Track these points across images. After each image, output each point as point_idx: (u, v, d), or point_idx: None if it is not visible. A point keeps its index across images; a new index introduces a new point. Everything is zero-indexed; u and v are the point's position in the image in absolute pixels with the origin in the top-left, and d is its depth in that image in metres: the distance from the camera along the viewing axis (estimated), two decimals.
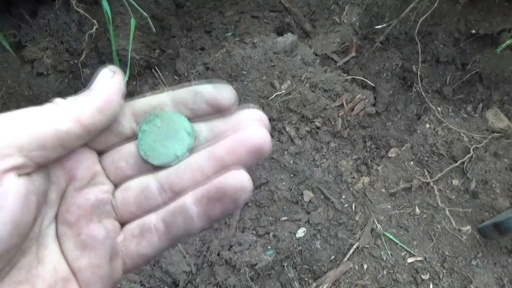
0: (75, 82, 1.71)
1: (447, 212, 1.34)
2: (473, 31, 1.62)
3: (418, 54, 1.55)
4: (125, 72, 1.67)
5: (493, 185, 1.40)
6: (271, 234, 1.38)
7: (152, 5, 1.91)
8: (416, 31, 1.51)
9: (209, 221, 0.35)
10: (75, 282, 0.34)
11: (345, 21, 1.81)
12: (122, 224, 0.36)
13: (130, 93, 1.72)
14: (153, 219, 0.35)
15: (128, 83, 1.71)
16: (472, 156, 1.45)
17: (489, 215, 1.36)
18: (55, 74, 1.71)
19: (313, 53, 1.74)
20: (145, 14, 1.26)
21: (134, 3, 1.25)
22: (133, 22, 1.26)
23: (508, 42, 1.51)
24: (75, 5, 1.41)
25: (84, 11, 1.54)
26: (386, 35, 1.69)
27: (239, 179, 0.34)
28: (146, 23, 1.84)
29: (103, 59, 1.69)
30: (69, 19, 1.68)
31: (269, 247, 1.35)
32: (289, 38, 1.69)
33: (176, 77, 1.76)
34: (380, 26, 1.61)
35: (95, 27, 1.51)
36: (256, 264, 1.25)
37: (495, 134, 1.53)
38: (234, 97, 0.38)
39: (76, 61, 1.67)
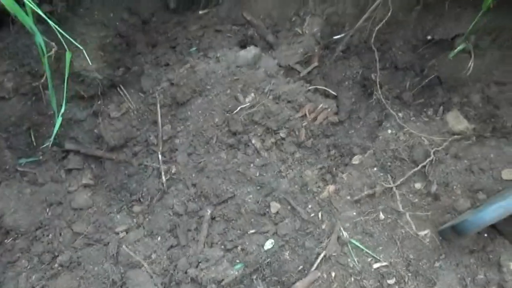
0: (38, 104, 1.69)
1: (408, 217, 1.37)
2: (429, 37, 1.66)
3: (376, 62, 1.58)
4: (88, 93, 1.67)
5: (454, 187, 1.44)
6: (239, 248, 1.38)
7: (117, 22, 1.91)
8: (372, 39, 1.55)
9: None
10: None
11: (307, 31, 1.84)
12: None
13: (95, 113, 1.72)
14: None
15: (92, 103, 1.70)
16: (433, 159, 1.48)
17: (451, 216, 1.39)
18: (17, 97, 1.69)
19: (277, 64, 1.76)
20: (80, 47, 1.24)
21: (67, 35, 1.23)
22: (68, 55, 1.25)
23: (460, 47, 1.55)
24: (30, 30, 1.39)
25: (44, 33, 1.53)
26: (347, 44, 1.72)
27: None
28: (111, 41, 1.84)
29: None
30: (29, 41, 1.67)
31: (237, 260, 1.36)
32: (251, 51, 1.71)
33: (141, 94, 1.76)
34: (339, 36, 1.64)
35: (54, 49, 1.50)
36: (222, 280, 1.25)
37: (455, 136, 1.56)
38: None
39: (38, 83, 1.65)
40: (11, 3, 1.13)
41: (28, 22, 1.20)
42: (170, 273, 1.31)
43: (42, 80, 1.63)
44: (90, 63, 1.46)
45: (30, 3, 1.11)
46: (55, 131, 1.36)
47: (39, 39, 1.21)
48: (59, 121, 1.35)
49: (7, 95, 1.65)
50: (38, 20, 1.59)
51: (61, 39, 1.23)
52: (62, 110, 1.35)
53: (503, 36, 1.64)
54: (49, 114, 1.67)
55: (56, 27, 1.14)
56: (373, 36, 1.55)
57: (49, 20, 1.13)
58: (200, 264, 1.30)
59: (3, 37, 1.66)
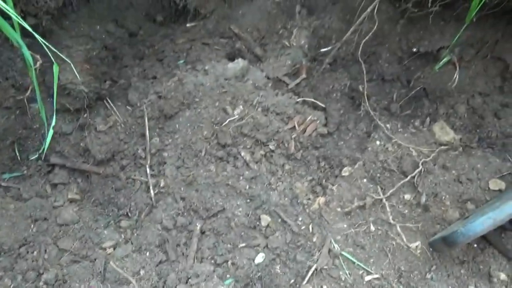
0: (22, 118, 1.65)
1: (399, 229, 1.37)
2: (414, 50, 1.69)
3: (363, 74, 1.60)
4: (74, 106, 1.64)
5: (443, 197, 1.45)
6: (229, 262, 1.36)
7: (104, 34, 1.90)
8: (359, 52, 1.56)
9: None
10: None
11: (294, 44, 1.85)
12: None
13: (81, 126, 1.69)
14: None
15: (78, 116, 1.68)
16: (421, 170, 1.49)
17: (441, 227, 1.39)
18: (1, 111, 1.65)
19: (265, 76, 1.76)
20: (67, 60, 1.23)
21: (55, 49, 1.22)
22: (56, 68, 1.23)
23: (445, 59, 1.58)
24: (16, 43, 1.37)
25: (29, 46, 1.50)
26: (334, 57, 1.74)
27: None
28: (98, 53, 1.82)
29: (51, 93, 1.65)
30: (14, 54, 1.64)
31: (228, 275, 1.33)
32: (239, 63, 1.71)
33: (129, 107, 1.74)
34: (326, 49, 1.66)
35: (39, 62, 1.48)
36: None
37: (443, 147, 1.58)
38: None
39: (22, 96, 1.62)
40: None
41: (14, 35, 1.18)
42: None
43: (27, 94, 1.60)
44: (78, 77, 1.44)
45: (16, 17, 1.09)
46: (46, 145, 1.34)
47: (26, 52, 1.19)
48: (50, 134, 1.33)
49: None
50: (23, 33, 1.57)
51: (48, 52, 1.21)
52: (53, 123, 1.33)
53: (485, 48, 1.68)
54: (34, 127, 1.64)
55: (43, 40, 1.12)
56: (360, 49, 1.57)
57: (35, 34, 1.11)
58: (189, 280, 1.27)
59: None
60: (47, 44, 1.12)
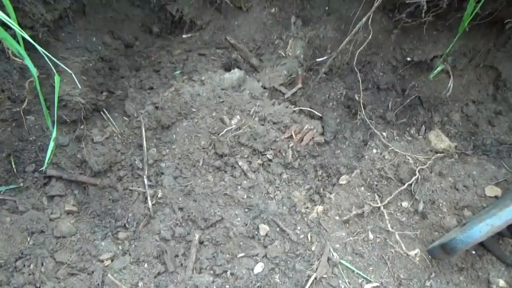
0: (18, 130, 1.65)
1: (397, 236, 1.38)
2: (409, 59, 1.71)
3: (359, 83, 1.61)
4: (71, 118, 1.64)
5: (440, 205, 1.45)
6: (228, 273, 1.35)
7: (100, 46, 1.91)
8: (355, 61, 1.58)
9: None
10: None
11: (290, 54, 1.87)
12: None
13: (78, 138, 1.68)
14: None
15: (75, 128, 1.67)
16: (418, 178, 1.50)
17: (439, 234, 1.40)
18: None
19: (262, 86, 1.78)
20: (69, 70, 1.24)
21: (56, 60, 1.23)
22: (57, 79, 1.24)
23: (439, 68, 1.60)
24: (12, 55, 1.38)
25: (23, 60, 1.50)
26: (329, 66, 1.75)
27: None
28: (92, 66, 1.83)
29: (48, 105, 1.65)
30: (10, 66, 1.64)
31: (227, 286, 1.33)
32: (236, 73, 1.73)
33: (126, 118, 1.74)
34: (322, 58, 1.68)
35: (36, 74, 1.48)
36: None
37: (439, 154, 1.60)
38: None
39: (18, 108, 1.62)
40: None
41: (17, 47, 1.19)
42: None
43: (23, 106, 1.60)
44: (79, 86, 1.44)
45: (19, 29, 1.10)
46: (48, 156, 1.34)
47: (29, 63, 1.20)
48: (51, 146, 1.32)
49: None
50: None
51: (47, 63, 1.21)
52: (54, 134, 1.32)
53: (478, 57, 1.70)
54: (30, 139, 1.63)
55: (44, 51, 1.13)
56: (355, 58, 1.59)
57: (36, 45, 1.12)
58: None
59: None
60: (48, 55, 1.12)
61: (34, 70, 1.24)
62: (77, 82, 1.29)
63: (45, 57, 1.15)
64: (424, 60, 1.73)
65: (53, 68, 1.23)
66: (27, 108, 1.62)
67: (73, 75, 1.24)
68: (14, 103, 1.65)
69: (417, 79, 1.74)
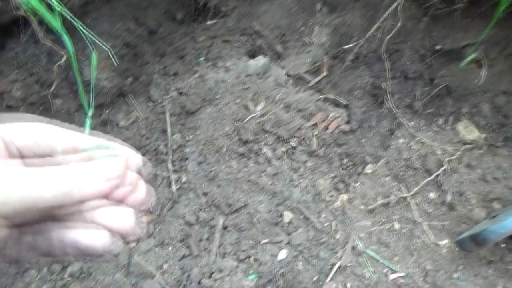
0: (46, 114, 1.67)
1: (425, 226, 1.35)
2: (438, 47, 1.67)
3: (387, 71, 1.58)
4: (97, 102, 1.66)
5: (469, 196, 1.42)
6: (252, 258, 1.36)
7: (124, 32, 1.92)
8: (383, 49, 1.55)
9: (66, 255, 0.41)
10: None
11: (315, 41, 1.84)
12: None
13: (104, 122, 1.70)
14: (25, 234, 0.40)
15: (100, 112, 1.69)
16: (446, 169, 1.47)
17: (467, 226, 1.37)
18: (25, 106, 1.67)
19: (286, 74, 1.76)
20: (106, 47, 1.25)
21: (95, 36, 1.24)
22: (94, 56, 1.25)
23: (471, 56, 1.56)
24: (42, 38, 1.39)
25: (53, 42, 1.52)
26: (356, 54, 1.72)
27: (95, 241, 0.41)
28: (117, 52, 1.84)
29: (74, 89, 1.67)
30: (38, 50, 1.66)
31: (250, 271, 1.33)
32: (260, 60, 1.71)
33: (150, 103, 1.75)
34: (348, 46, 1.65)
35: (64, 58, 1.50)
36: None
37: (467, 145, 1.56)
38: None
39: (46, 92, 1.64)
40: (38, 5, 1.13)
41: (55, 24, 1.21)
42: (183, 284, 1.28)
43: (51, 89, 1.62)
44: (116, 64, 1.46)
45: (58, 5, 1.11)
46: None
47: (67, 40, 1.22)
48: (88, 124, 1.34)
49: (15, 104, 1.64)
50: (46, 30, 1.60)
51: (87, 41, 1.22)
52: (90, 113, 1.34)
53: (510, 47, 1.65)
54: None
55: (81, 27, 1.14)
56: (383, 46, 1.55)
57: (75, 22, 1.13)
58: (213, 274, 1.27)
59: (12, 47, 1.65)
60: (89, 32, 1.14)
61: (71, 47, 1.25)
62: (114, 60, 1.30)
63: (83, 35, 1.17)
64: (454, 49, 1.68)
65: (90, 45, 1.24)
66: (54, 92, 1.65)
67: (111, 53, 1.25)
68: (42, 87, 1.68)
69: (446, 69, 1.70)
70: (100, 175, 0.39)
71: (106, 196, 0.41)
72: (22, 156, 0.41)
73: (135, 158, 0.47)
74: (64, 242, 0.40)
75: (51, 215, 0.41)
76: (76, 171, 0.38)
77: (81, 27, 1.17)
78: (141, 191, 0.44)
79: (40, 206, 0.36)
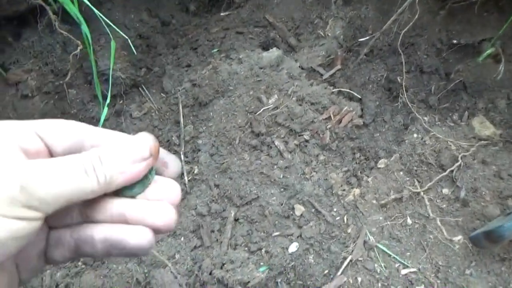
0: (61, 103, 1.69)
1: (438, 222, 1.34)
2: (455, 41, 1.65)
3: (402, 65, 1.56)
4: (111, 92, 1.66)
5: (483, 193, 1.41)
6: (263, 250, 1.36)
7: (137, 24, 1.92)
8: (399, 42, 1.53)
9: (110, 255, 0.42)
10: None
11: (329, 34, 1.83)
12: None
13: (117, 112, 1.71)
14: (67, 235, 0.42)
15: (114, 102, 1.70)
16: (460, 164, 1.46)
17: (481, 223, 1.36)
18: (40, 95, 1.69)
19: (299, 66, 1.75)
20: (125, 36, 1.26)
21: (113, 25, 1.24)
22: (113, 44, 1.26)
23: (488, 51, 1.53)
24: (58, 27, 1.40)
25: (68, 32, 1.53)
26: (370, 47, 1.71)
27: (140, 240, 0.40)
28: (132, 42, 1.84)
29: (89, 79, 1.68)
30: (53, 40, 1.67)
31: (261, 263, 1.33)
32: (274, 52, 1.70)
33: (163, 95, 1.75)
34: (363, 39, 1.63)
35: (79, 48, 1.51)
36: (248, 282, 1.23)
37: (482, 141, 1.54)
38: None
39: (61, 82, 1.66)
40: None
41: (75, 10, 1.22)
42: (195, 274, 1.28)
43: (66, 79, 1.63)
44: (134, 52, 1.47)
45: None
46: (101, 122, 1.38)
47: (85, 28, 1.23)
48: (104, 111, 1.36)
49: (30, 93, 1.65)
50: (62, 20, 1.61)
51: (106, 29, 1.23)
52: (108, 100, 1.35)
53: None
54: (71, 113, 1.67)
55: (100, 15, 1.15)
56: (399, 39, 1.53)
57: (94, 9, 1.15)
58: (224, 265, 1.28)
59: (28, 36, 1.66)
60: (106, 20, 1.15)
61: (89, 34, 1.26)
62: (132, 49, 1.31)
63: (102, 23, 1.17)
64: (471, 43, 1.66)
65: (109, 34, 1.25)
66: (69, 81, 1.66)
67: (129, 41, 1.26)
68: (57, 76, 1.69)
69: (462, 63, 1.67)
70: (133, 155, 0.39)
71: (142, 176, 0.41)
72: (53, 153, 0.42)
73: (175, 163, 0.48)
74: (109, 242, 0.40)
75: (89, 216, 0.41)
76: (110, 155, 0.38)
77: (100, 15, 1.17)
78: (176, 187, 0.44)
79: (79, 197, 0.36)
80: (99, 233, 0.40)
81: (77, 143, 0.42)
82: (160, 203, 0.42)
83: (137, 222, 0.40)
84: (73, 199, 0.36)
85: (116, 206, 0.41)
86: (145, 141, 0.41)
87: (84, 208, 0.42)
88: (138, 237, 0.40)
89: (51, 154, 0.42)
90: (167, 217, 0.41)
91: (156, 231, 0.41)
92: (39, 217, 0.35)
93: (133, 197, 0.42)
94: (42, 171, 0.35)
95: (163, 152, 0.46)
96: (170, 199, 0.43)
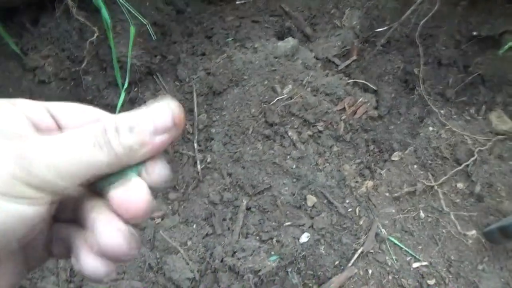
0: (76, 90, 1.70)
1: (452, 216, 1.33)
2: (475, 33, 1.61)
3: (420, 57, 1.54)
4: (125, 79, 1.67)
5: (498, 188, 1.39)
6: (274, 240, 1.37)
7: (153, 11, 1.92)
8: (417, 33, 1.50)
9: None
10: None
11: (346, 24, 1.80)
12: None
13: (132, 100, 1.72)
14: (65, 231, 0.38)
15: (129, 90, 1.71)
16: (476, 159, 1.44)
17: (495, 218, 1.34)
18: (56, 81, 1.71)
19: (314, 57, 1.73)
20: (144, 21, 1.26)
21: (133, 11, 1.25)
22: (132, 30, 1.26)
23: (510, 43, 1.50)
24: (76, 13, 1.41)
25: (85, 19, 1.54)
26: (387, 38, 1.68)
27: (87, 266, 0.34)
28: (147, 30, 1.85)
29: (104, 66, 1.69)
30: (70, 26, 1.68)
31: (272, 252, 1.34)
32: (289, 42, 1.69)
33: (177, 83, 1.76)
34: (381, 29, 1.61)
35: (96, 34, 1.52)
36: (259, 270, 1.24)
37: (499, 136, 1.51)
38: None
39: (77, 68, 1.67)
40: None
41: None
42: (206, 261, 1.30)
43: (82, 66, 1.64)
44: (154, 37, 1.47)
45: None
46: (118, 107, 1.40)
47: (105, 13, 1.24)
48: (122, 96, 1.37)
49: (47, 79, 1.67)
50: (79, 7, 1.61)
51: (126, 15, 1.24)
52: (125, 85, 1.36)
53: None
54: (87, 99, 1.69)
55: (122, 1, 1.15)
56: (418, 30, 1.51)
57: None
58: (236, 253, 1.29)
59: (45, 22, 1.68)
60: (127, 6, 1.15)
61: (109, 19, 1.27)
62: (152, 33, 1.31)
63: (123, 8, 1.18)
64: (491, 36, 1.62)
65: (129, 20, 1.26)
66: (85, 68, 1.67)
67: (149, 27, 1.27)
68: (73, 63, 1.70)
69: (481, 56, 1.64)
70: (154, 124, 0.33)
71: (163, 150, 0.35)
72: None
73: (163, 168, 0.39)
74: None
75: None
76: (128, 123, 0.33)
77: (121, 1, 1.18)
78: (144, 198, 0.36)
79: (94, 172, 0.31)
80: (72, 238, 0.35)
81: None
82: (115, 226, 0.33)
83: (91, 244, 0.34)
84: (84, 176, 0.31)
85: (85, 209, 0.35)
86: (168, 108, 0.35)
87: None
88: (86, 263, 0.33)
89: None
90: (118, 246, 0.33)
91: (109, 259, 0.34)
92: (44, 199, 0.30)
93: (101, 191, 0.34)
94: (43, 143, 0.31)
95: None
96: (132, 209, 0.34)
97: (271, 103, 1.56)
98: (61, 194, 0.31)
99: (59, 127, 0.37)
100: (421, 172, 1.46)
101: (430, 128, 1.52)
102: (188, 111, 1.68)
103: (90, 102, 1.70)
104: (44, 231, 0.37)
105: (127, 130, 0.33)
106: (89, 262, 0.33)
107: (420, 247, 1.33)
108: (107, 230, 0.33)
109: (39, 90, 1.68)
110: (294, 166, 1.48)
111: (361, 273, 1.30)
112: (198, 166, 1.53)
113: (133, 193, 0.34)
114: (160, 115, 0.34)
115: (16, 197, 0.29)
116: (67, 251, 0.37)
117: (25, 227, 0.30)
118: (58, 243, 0.37)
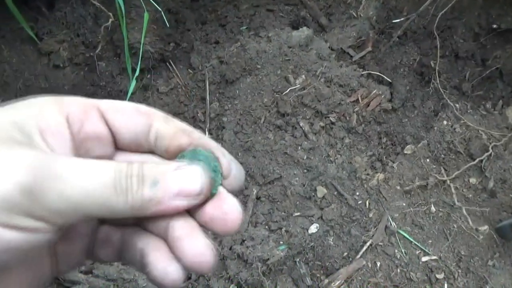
0: (90, 75, 1.72)
1: (464, 211, 1.32)
2: (494, 26, 1.57)
3: (437, 49, 1.51)
4: (137, 66, 1.68)
5: None
6: (283, 230, 1.37)
7: None
8: (435, 25, 1.48)
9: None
10: None
11: (362, 15, 1.78)
12: None
13: (145, 86, 1.73)
14: (118, 235, 0.36)
15: (142, 76, 1.72)
16: (491, 154, 1.41)
17: (508, 215, 1.32)
18: (71, 66, 1.72)
19: (329, 47, 1.72)
20: (158, 8, 1.26)
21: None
22: (146, 16, 1.26)
23: None
24: None
25: (100, 4, 1.54)
26: (404, 29, 1.65)
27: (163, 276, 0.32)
28: (161, 17, 1.85)
29: (118, 52, 1.70)
30: (85, 12, 1.69)
31: (281, 242, 1.34)
32: (304, 32, 1.67)
33: (191, 71, 1.76)
34: (397, 20, 1.58)
35: (110, 20, 1.52)
36: (268, 259, 1.24)
37: None
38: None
39: (91, 53, 1.68)
40: None
41: None
42: (215, 248, 1.31)
43: (97, 51, 1.65)
44: (167, 24, 1.48)
45: None
46: (129, 93, 1.41)
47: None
48: (132, 84, 1.38)
49: (62, 64, 1.69)
50: None
51: (121, 8, 1.24)
52: (137, 73, 1.38)
53: None
54: (101, 85, 1.70)
55: None
56: (436, 22, 1.48)
57: None
58: (245, 242, 1.29)
59: (61, 7, 1.68)
60: None
61: (123, 4, 1.27)
62: (166, 19, 1.32)
63: None
64: (510, 29, 1.58)
65: (143, 5, 1.26)
66: (99, 53, 1.68)
67: (163, 15, 1.27)
68: (87, 48, 1.71)
69: (501, 49, 1.60)
70: (180, 186, 0.31)
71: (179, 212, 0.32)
72: (117, 142, 0.35)
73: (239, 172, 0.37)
74: (142, 258, 0.33)
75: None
76: (153, 176, 0.30)
77: None
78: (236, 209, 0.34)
79: (103, 215, 0.29)
80: (140, 243, 0.33)
81: (144, 130, 0.34)
82: (203, 242, 0.32)
83: (175, 252, 0.32)
84: (96, 216, 0.28)
85: (162, 221, 0.33)
86: (200, 175, 0.32)
87: None
88: (163, 272, 0.31)
89: (115, 143, 0.35)
90: (205, 260, 0.32)
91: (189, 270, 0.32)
92: (47, 229, 0.27)
93: None
94: (64, 165, 0.27)
95: (226, 154, 0.36)
96: (229, 224, 0.33)
97: (284, 93, 1.55)
98: (61, 226, 0.28)
99: (113, 134, 0.34)
100: (434, 166, 1.44)
101: (445, 122, 1.50)
102: (200, 99, 1.68)
103: (104, 88, 1.71)
104: (82, 238, 0.35)
105: (151, 182, 0.30)
106: (172, 271, 0.31)
107: (430, 241, 1.32)
108: (195, 246, 0.32)
109: (54, 75, 1.69)
110: (305, 157, 1.47)
111: (370, 265, 1.30)
112: None
113: (226, 207, 0.33)
114: (190, 179, 0.31)
115: (11, 228, 0.25)
116: (115, 255, 0.35)
117: (20, 256, 0.27)
118: (105, 246, 0.35)
